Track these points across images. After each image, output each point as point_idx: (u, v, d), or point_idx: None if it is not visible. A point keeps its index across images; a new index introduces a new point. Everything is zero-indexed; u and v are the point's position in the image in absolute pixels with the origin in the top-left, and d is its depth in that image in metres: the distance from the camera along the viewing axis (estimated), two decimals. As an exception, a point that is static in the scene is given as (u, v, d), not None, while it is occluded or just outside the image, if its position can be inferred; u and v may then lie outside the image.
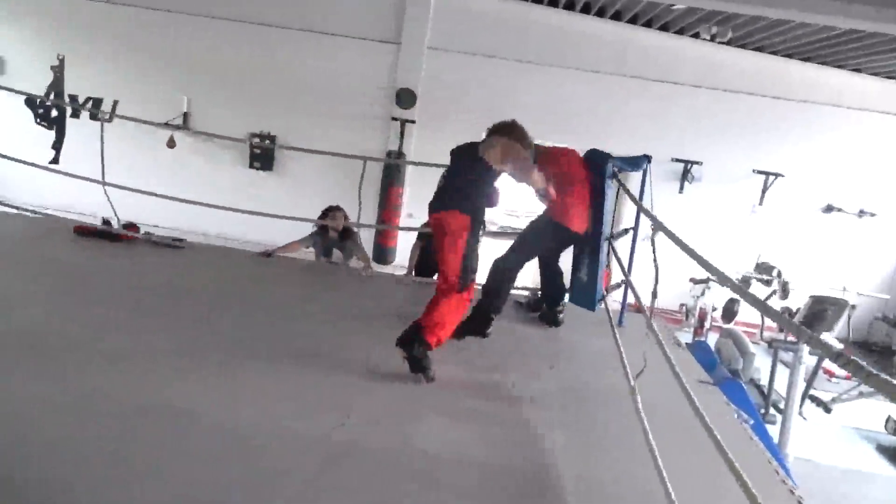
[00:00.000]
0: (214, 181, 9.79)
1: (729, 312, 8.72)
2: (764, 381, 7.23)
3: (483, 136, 4.02)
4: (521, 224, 4.82)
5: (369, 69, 9.79)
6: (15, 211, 6.43)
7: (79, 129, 9.90)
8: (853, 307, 8.05)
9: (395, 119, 9.71)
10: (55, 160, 9.76)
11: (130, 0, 9.77)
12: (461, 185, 3.77)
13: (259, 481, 2.43)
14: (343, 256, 6.11)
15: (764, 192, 9.99)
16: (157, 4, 9.75)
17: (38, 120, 10.01)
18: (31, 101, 9.81)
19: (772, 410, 6.90)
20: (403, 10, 9.59)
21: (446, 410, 3.25)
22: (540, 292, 5.02)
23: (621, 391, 3.42)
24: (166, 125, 9.43)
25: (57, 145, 10.00)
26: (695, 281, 9.04)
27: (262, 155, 10.07)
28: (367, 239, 7.87)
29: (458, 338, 3.92)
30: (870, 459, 6.58)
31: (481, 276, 3.99)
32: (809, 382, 7.07)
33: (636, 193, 4.60)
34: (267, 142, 9.84)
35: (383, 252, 9.35)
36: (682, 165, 9.91)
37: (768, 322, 8.46)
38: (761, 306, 2.17)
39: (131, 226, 5.86)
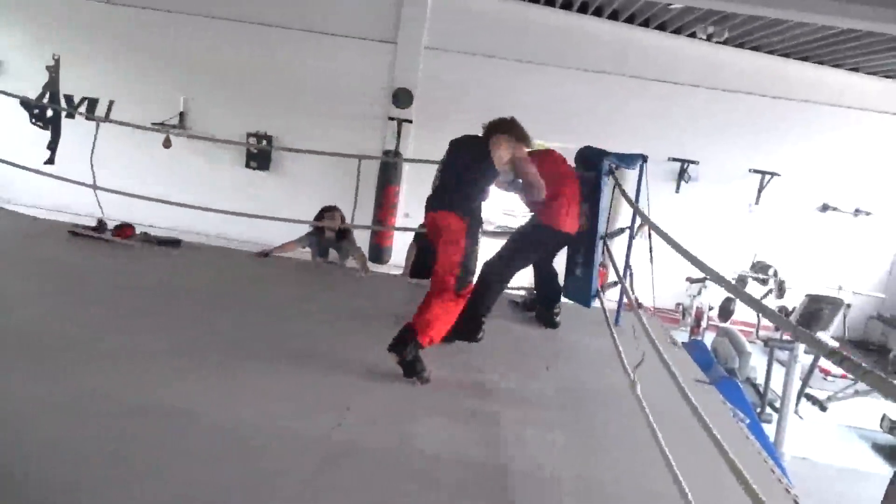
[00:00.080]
0: (211, 181, 9.79)
1: (725, 311, 8.73)
2: (760, 380, 7.25)
3: (481, 132, 3.95)
4: (518, 223, 4.82)
5: (366, 69, 9.78)
6: (11, 210, 6.42)
7: (74, 129, 9.85)
8: (849, 306, 8.08)
9: (391, 119, 9.72)
10: (51, 160, 9.75)
11: (130, 0, 9.75)
12: (461, 182, 3.68)
13: (257, 481, 2.43)
14: (339, 256, 6.11)
15: (760, 191, 10.02)
16: (155, 4, 9.73)
17: (34, 120, 10.00)
18: (26, 102, 9.79)
19: (768, 409, 6.92)
20: (400, 10, 9.59)
21: (444, 410, 3.25)
22: (535, 292, 5.03)
23: (620, 390, 3.43)
24: (162, 125, 9.42)
25: (52, 145, 9.97)
26: (691, 280, 9.05)
27: (259, 155, 10.06)
28: (363, 238, 7.88)
29: (448, 342, 3.91)
30: (865, 458, 6.61)
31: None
32: (805, 381, 7.10)
33: (632, 193, 4.61)
34: (264, 142, 9.82)
35: (380, 252, 9.35)
36: (678, 165, 9.93)
37: (764, 321, 8.48)
38: (755, 304, 2.18)
39: (127, 226, 5.86)
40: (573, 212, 4.44)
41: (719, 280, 2.33)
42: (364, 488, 2.52)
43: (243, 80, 9.92)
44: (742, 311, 8.76)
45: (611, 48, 9.64)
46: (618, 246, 5.52)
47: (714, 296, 8.92)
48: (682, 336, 7.35)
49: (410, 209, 9.33)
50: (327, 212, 6.05)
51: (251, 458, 2.57)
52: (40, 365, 3.09)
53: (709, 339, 8.18)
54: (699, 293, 8.99)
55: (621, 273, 4.67)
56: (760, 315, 8.04)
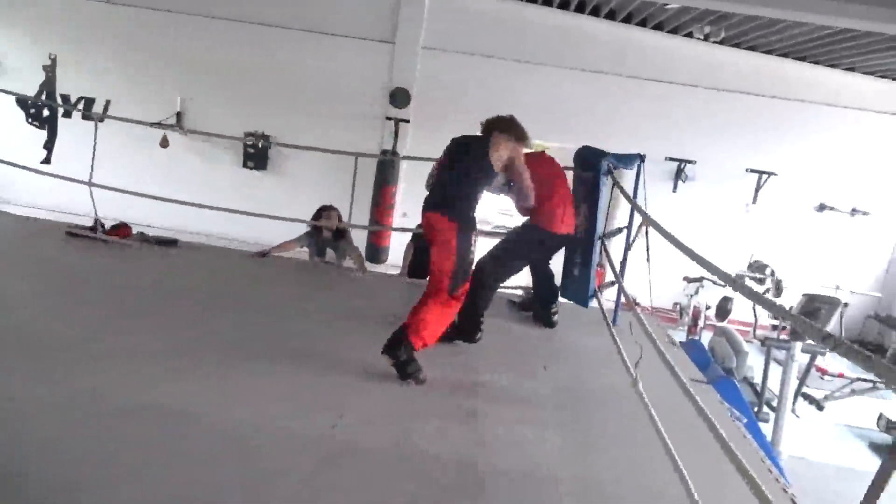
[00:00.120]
0: (209, 181, 9.75)
1: (722, 311, 8.75)
2: (757, 380, 7.26)
3: (480, 130, 3.92)
4: (514, 223, 4.81)
5: (364, 69, 9.77)
6: (8, 211, 6.41)
7: (71, 129, 9.88)
8: (846, 305, 8.10)
9: (389, 119, 9.71)
10: (47, 160, 9.75)
11: (126, 0, 9.73)
12: (455, 182, 3.66)
13: (255, 481, 2.43)
14: (337, 256, 6.11)
15: (757, 190, 10.03)
16: (153, 4, 9.70)
17: (30, 120, 10.00)
18: (22, 101, 9.79)
19: (765, 408, 6.94)
20: (398, 10, 9.58)
21: (442, 410, 3.25)
22: (532, 291, 5.03)
23: (618, 390, 3.43)
24: (159, 125, 9.40)
25: (49, 145, 9.99)
26: (688, 280, 9.07)
27: (256, 154, 10.04)
28: (360, 238, 7.88)
29: (448, 341, 3.91)
30: (862, 457, 6.61)
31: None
32: (802, 380, 7.11)
33: (629, 193, 4.61)
34: (262, 143, 9.80)
35: (376, 251, 9.34)
36: (675, 164, 9.94)
37: (762, 320, 8.50)
38: (755, 297, 2.18)
39: (123, 226, 5.85)
40: (568, 212, 4.44)
41: (719, 274, 2.33)
42: (362, 488, 2.52)
43: (240, 80, 9.90)
44: (739, 311, 8.78)
45: (608, 48, 9.64)
46: (615, 246, 5.52)
47: (711, 295, 8.93)
48: (679, 336, 7.37)
49: (408, 209, 9.33)
50: (324, 212, 6.05)
51: (249, 458, 2.57)
52: (38, 365, 3.08)
53: (706, 338, 8.21)
54: (696, 293, 9.01)
55: (618, 272, 4.67)
56: (758, 312, 8.09)
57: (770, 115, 9.82)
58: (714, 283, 8.89)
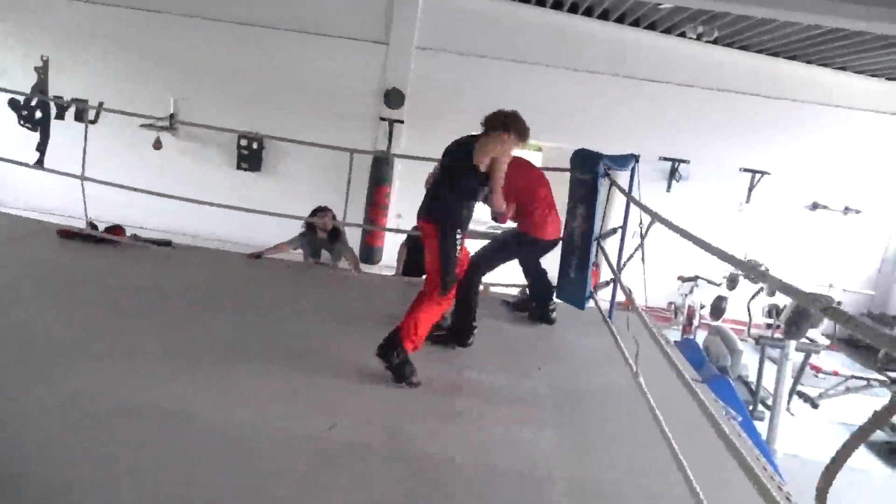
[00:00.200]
0: (202, 183, 9.68)
1: (717, 310, 8.77)
2: (752, 378, 7.29)
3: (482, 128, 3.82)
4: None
5: (358, 69, 9.75)
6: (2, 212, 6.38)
7: (64, 131, 9.83)
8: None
9: (383, 119, 9.70)
10: (40, 162, 9.69)
11: (118, 1, 9.69)
12: (441, 186, 3.68)
13: (252, 481, 2.43)
14: (332, 257, 6.10)
15: (751, 190, 10.06)
16: (146, 5, 9.66)
17: (22, 122, 9.94)
18: (14, 103, 9.73)
19: (760, 407, 6.96)
20: (392, 10, 9.57)
21: (438, 411, 3.25)
22: (528, 291, 5.03)
23: (615, 389, 3.44)
24: (150, 126, 9.38)
25: (41, 147, 9.94)
26: (683, 279, 9.09)
27: (250, 156, 10.01)
28: (355, 239, 7.87)
29: (442, 344, 3.93)
30: (857, 455, 6.63)
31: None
32: (797, 379, 7.14)
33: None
34: (254, 137, 9.74)
35: (371, 252, 9.32)
36: (669, 164, 9.96)
37: (756, 319, 8.51)
38: (760, 276, 2.18)
39: (117, 228, 5.82)
40: (553, 216, 4.48)
41: (728, 259, 2.34)
42: (358, 488, 2.52)
43: (234, 80, 9.86)
44: (734, 310, 8.80)
45: (602, 48, 9.65)
46: (611, 246, 5.53)
47: (706, 294, 8.95)
48: (674, 335, 7.39)
49: (402, 209, 9.32)
50: (319, 213, 6.04)
51: (246, 459, 2.57)
52: (35, 366, 3.08)
53: (700, 337, 8.22)
54: (691, 292, 9.04)
55: (615, 271, 4.68)
56: (753, 307, 8.10)
57: (763, 115, 9.85)
58: (709, 282, 8.93)
